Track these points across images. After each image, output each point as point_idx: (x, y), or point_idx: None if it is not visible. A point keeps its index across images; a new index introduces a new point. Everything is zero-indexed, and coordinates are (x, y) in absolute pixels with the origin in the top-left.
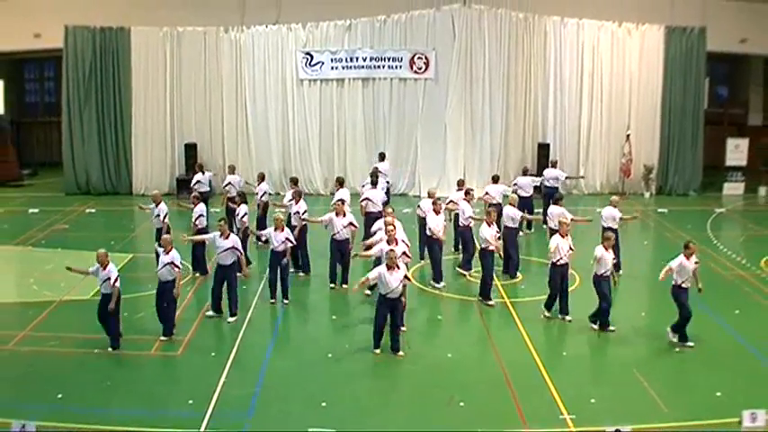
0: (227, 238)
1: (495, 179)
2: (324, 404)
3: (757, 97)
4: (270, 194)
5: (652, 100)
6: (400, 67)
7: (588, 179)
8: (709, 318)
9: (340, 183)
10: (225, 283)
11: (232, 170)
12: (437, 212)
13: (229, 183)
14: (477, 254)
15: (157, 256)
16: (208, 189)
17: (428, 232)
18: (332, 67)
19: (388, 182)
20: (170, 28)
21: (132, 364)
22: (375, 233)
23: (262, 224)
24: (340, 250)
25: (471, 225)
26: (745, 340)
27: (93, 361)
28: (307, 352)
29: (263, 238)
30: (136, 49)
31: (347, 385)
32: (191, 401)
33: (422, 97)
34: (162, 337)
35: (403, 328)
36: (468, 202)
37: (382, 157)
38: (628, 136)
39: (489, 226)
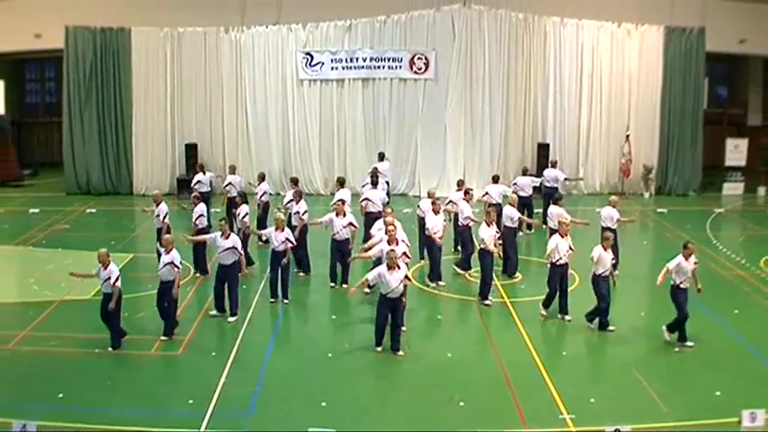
0: (227, 237)
1: (495, 179)
2: (324, 403)
3: (756, 97)
4: (270, 194)
5: (651, 100)
6: (400, 67)
7: (588, 179)
8: (709, 318)
9: (340, 183)
10: (226, 283)
11: (233, 170)
12: (436, 212)
13: (230, 183)
14: (476, 254)
15: (159, 255)
16: (208, 189)
17: (427, 232)
18: (332, 68)
19: (387, 182)
20: (170, 28)
21: (133, 364)
22: (375, 234)
23: (262, 224)
24: (340, 250)
25: (470, 225)
26: (744, 340)
27: (93, 361)
28: (307, 351)
29: (264, 238)
30: (136, 50)
31: (347, 384)
32: (191, 401)
33: (422, 97)
34: (162, 337)
35: (403, 328)
36: (468, 202)
37: (381, 156)
38: (627, 136)
39: (489, 226)
